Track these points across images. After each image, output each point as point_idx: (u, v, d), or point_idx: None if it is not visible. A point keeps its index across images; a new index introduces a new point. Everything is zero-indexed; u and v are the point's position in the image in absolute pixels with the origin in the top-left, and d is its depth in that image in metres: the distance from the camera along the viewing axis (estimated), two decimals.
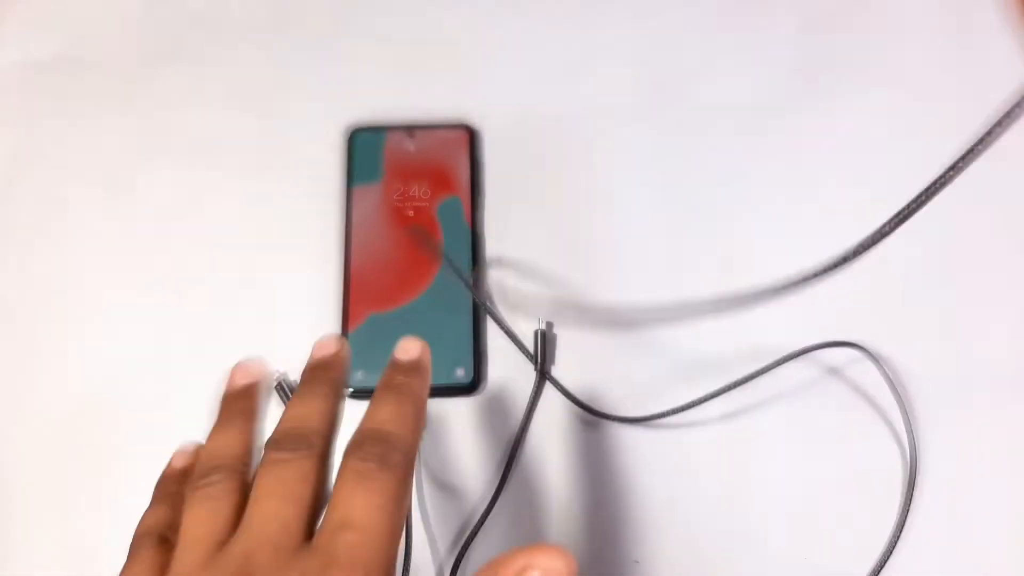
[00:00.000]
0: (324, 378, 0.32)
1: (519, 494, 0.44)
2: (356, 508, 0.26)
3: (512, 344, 0.46)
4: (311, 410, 0.30)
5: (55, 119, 0.50)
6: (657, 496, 0.44)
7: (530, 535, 0.44)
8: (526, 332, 0.47)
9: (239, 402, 0.32)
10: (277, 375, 0.45)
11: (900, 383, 0.45)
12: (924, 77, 0.53)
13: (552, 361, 0.46)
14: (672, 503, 0.44)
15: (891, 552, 0.42)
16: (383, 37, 0.53)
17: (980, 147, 0.28)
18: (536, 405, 0.45)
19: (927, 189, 0.29)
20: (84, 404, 0.45)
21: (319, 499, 0.28)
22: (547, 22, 0.54)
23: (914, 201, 0.29)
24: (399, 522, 0.27)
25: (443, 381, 0.45)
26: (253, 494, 0.27)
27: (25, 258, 0.47)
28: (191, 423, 0.44)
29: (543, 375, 0.45)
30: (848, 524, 0.44)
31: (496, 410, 0.45)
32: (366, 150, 0.49)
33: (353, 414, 0.44)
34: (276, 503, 0.27)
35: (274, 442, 0.29)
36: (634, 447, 0.45)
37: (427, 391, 0.32)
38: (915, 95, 0.52)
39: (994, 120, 0.27)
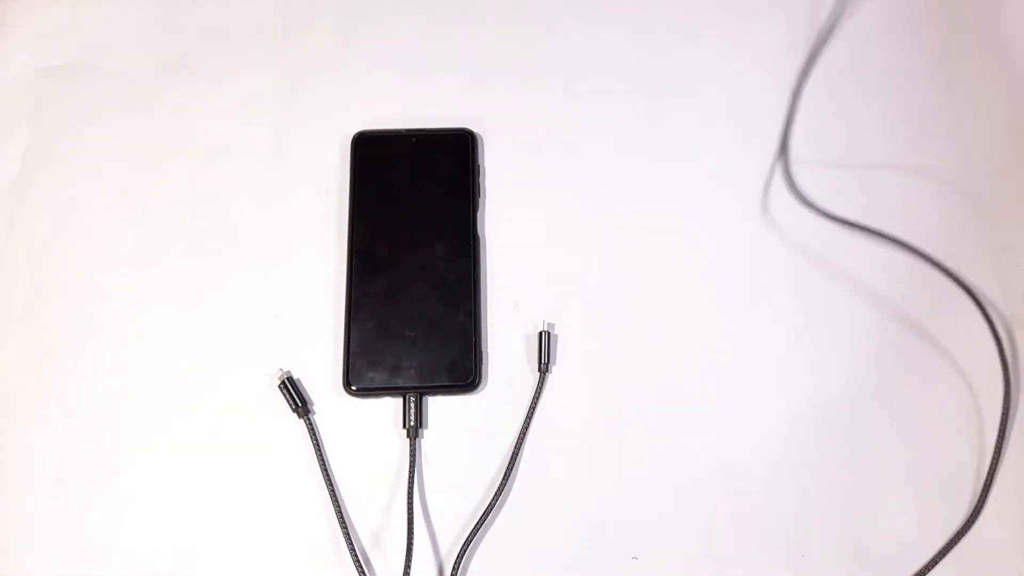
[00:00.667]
0: None
1: (520, 492, 0.45)
2: None
3: (512, 344, 0.47)
4: None
5: (68, 125, 0.51)
6: (660, 494, 0.45)
7: (530, 534, 0.44)
8: (531, 334, 0.47)
9: None
10: (281, 374, 0.45)
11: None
12: None
13: (554, 361, 0.47)
14: (675, 501, 0.44)
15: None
16: (387, 47, 0.54)
17: None
18: (537, 405, 0.46)
19: None
20: (93, 404, 0.46)
21: None
22: (544, 30, 0.54)
23: None
24: None
25: (443, 380, 0.45)
26: None
27: (37, 261, 0.48)
28: (198, 423, 0.45)
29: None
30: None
31: (496, 409, 0.46)
32: (369, 154, 0.50)
33: (354, 414, 0.46)
34: None
35: None
36: (635, 444, 0.45)
37: None
38: None
39: None
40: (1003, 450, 0.45)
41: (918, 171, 0.51)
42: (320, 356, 0.46)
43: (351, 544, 0.42)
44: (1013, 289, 0.48)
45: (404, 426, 0.45)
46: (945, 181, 0.50)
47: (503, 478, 0.44)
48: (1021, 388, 0.46)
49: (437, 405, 0.46)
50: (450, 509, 0.44)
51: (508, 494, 0.44)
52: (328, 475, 0.44)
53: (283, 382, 0.45)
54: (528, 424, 0.45)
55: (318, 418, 0.45)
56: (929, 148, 0.51)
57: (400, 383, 0.45)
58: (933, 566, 0.43)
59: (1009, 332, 0.47)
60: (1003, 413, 0.45)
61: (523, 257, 0.49)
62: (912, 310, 0.48)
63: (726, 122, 0.52)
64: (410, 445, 0.44)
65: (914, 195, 0.50)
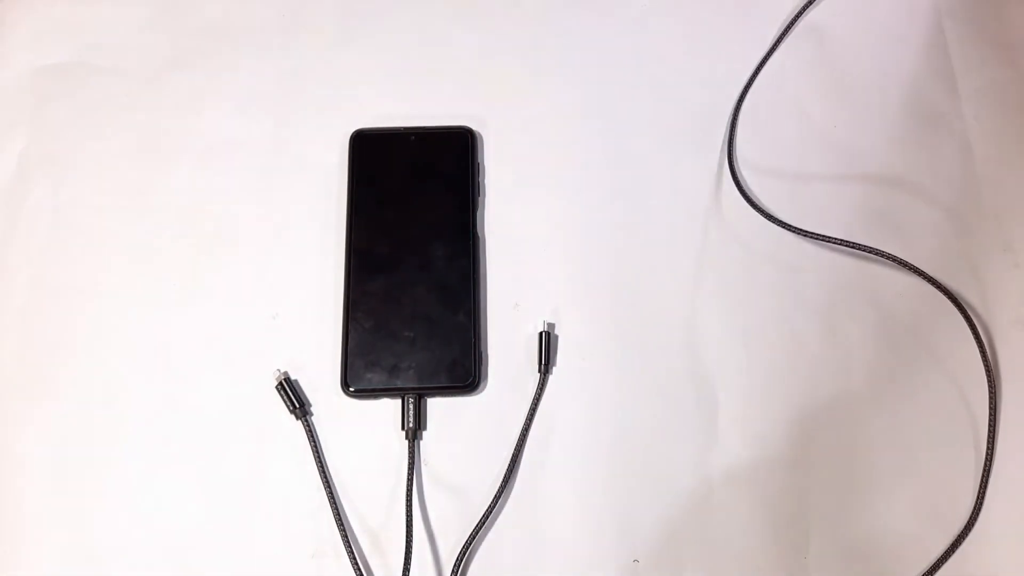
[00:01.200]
0: None
1: (520, 493, 0.44)
2: None
3: (512, 344, 0.47)
4: None
5: (68, 125, 0.51)
6: (661, 496, 0.44)
7: (530, 537, 0.44)
8: (531, 334, 0.47)
9: None
10: (278, 375, 0.45)
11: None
12: None
13: (554, 362, 0.46)
14: (676, 504, 0.44)
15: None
16: (387, 45, 0.54)
17: None
18: (538, 406, 0.45)
19: None
20: (91, 404, 0.46)
21: None
22: (544, 29, 0.54)
23: None
24: None
25: (442, 381, 0.45)
26: None
27: (36, 260, 0.48)
28: (198, 425, 0.45)
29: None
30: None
31: (496, 410, 0.46)
32: (368, 153, 0.49)
33: (356, 414, 0.45)
34: None
35: None
36: (636, 445, 0.45)
37: None
38: None
39: None
40: (994, 452, 0.44)
41: (901, 177, 0.51)
42: (318, 356, 0.46)
43: (349, 547, 0.42)
44: (1011, 290, 0.48)
45: (403, 427, 0.44)
46: (930, 187, 0.50)
47: (503, 480, 0.44)
48: (1009, 387, 0.46)
49: (436, 406, 0.46)
50: (450, 511, 0.44)
51: (508, 496, 0.44)
52: (326, 477, 0.44)
53: (280, 383, 0.45)
54: (528, 425, 0.45)
55: (316, 419, 0.45)
56: (925, 151, 0.51)
57: (399, 384, 0.45)
58: (935, 570, 0.43)
59: (989, 333, 0.47)
60: (990, 415, 0.45)
61: (523, 257, 0.48)
62: (905, 315, 0.47)
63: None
64: (409, 447, 0.44)
65: (896, 203, 0.50)
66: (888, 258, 0.46)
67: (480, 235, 0.48)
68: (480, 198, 0.49)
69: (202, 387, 0.46)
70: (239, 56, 0.53)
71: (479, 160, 0.50)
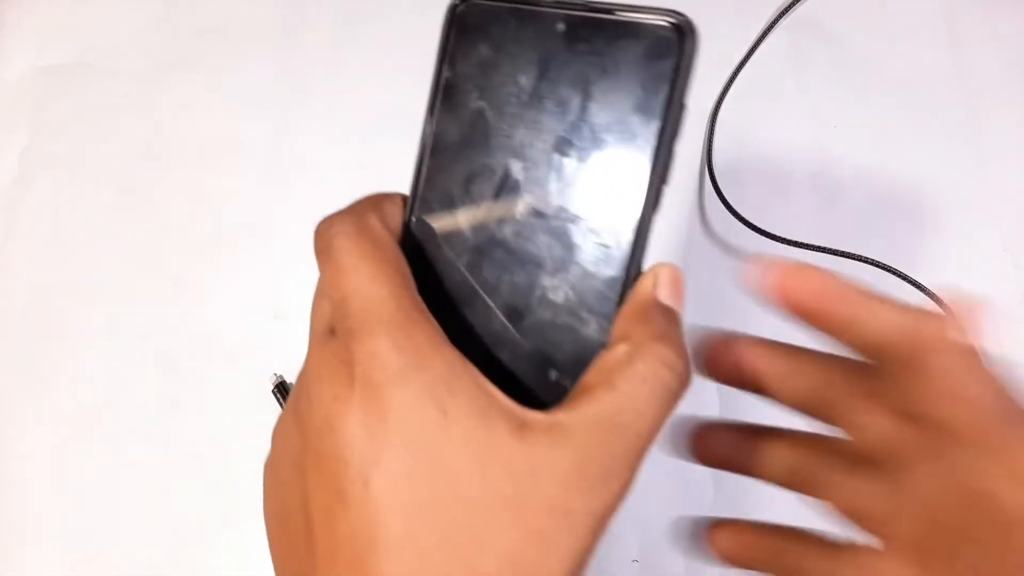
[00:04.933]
0: None
1: None
2: None
3: None
4: None
5: (68, 125, 0.52)
6: (660, 495, 0.44)
7: None
8: None
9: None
10: (275, 378, 0.45)
11: None
12: None
13: None
14: (675, 504, 0.44)
15: None
16: (387, 46, 0.53)
17: None
18: None
19: None
20: (91, 404, 0.46)
21: None
22: None
23: None
24: None
25: None
26: None
27: (37, 260, 0.49)
28: (198, 425, 0.45)
29: None
30: None
31: None
32: None
33: None
34: None
35: None
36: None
37: None
38: None
39: None
40: None
41: (899, 177, 0.50)
42: None
43: None
44: (1010, 291, 0.48)
45: None
46: (928, 186, 0.50)
47: None
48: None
49: None
50: None
51: None
52: None
53: (276, 387, 0.45)
54: None
55: None
56: (923, 150, 0.51)
57: None
58: None
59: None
60: None
61: None
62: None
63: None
64: None
65: (893, 202, 0.50)
66: (870, 263, 0.46)
67: None
68: None
69: (202, 387, 0.46)
70: (240, 57, 0.53)
71: None
